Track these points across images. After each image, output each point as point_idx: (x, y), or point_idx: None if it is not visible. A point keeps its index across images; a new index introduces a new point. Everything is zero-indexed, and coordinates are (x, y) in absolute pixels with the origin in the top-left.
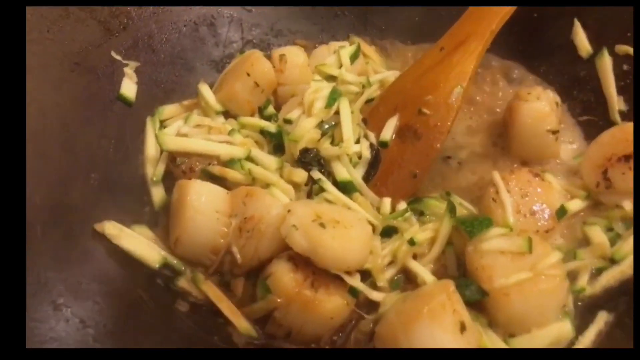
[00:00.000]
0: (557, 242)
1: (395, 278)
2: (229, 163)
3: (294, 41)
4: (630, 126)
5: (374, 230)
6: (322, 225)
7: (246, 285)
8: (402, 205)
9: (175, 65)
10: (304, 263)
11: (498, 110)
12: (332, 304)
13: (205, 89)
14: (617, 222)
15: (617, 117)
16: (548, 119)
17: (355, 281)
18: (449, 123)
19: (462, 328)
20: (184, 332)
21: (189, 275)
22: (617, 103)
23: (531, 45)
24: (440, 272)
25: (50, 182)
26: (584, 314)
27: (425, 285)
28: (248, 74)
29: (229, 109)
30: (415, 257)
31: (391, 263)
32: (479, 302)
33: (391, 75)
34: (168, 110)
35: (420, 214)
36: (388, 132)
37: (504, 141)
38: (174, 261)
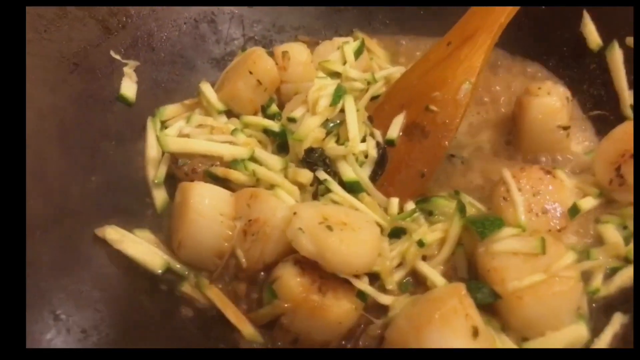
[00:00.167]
0: (570, 241)
1: (404, 281)
2: (232, 164)
3: (297, 37)
4: None
5: (381, 231)
6: (329, 227)
7: (252, 290)
8: (410, 205)
9: (176, 64)
10: (311, 267)
11: (503, 106)
12: (340, 309)
13: (206, 88)
14: (631, 220)
15: (629, 112)
16: (559, 114)
17: (364, 285)
18: (457, 120)
19: (475, 333)
20: (188, 339)
21: (193, 280)
22: (628, 97)
23: (540, 38)
24: (450, 274)
25: (49, 186)
26: (598, 316)
27: (435, 288)
28: (250, 72)
29: (232, 108)
30: (424, 258)
31: (400, 265)
32: (491, 305)
33: (397, 71)
34: (169, 110)
35: (428, 214)
36: (395, 130)
37: (513, 137)
38: (177, 266)
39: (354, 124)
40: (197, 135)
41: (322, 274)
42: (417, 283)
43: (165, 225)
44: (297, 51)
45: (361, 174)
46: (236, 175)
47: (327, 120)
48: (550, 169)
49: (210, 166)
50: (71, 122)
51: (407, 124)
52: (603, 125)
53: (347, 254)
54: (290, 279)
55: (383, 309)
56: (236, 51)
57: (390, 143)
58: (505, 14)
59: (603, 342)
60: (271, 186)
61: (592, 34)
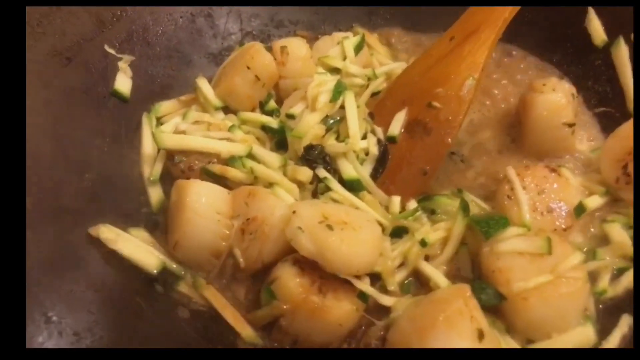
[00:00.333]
0: (576, 241)
1: (407, 281)
2: (230, 161)
3: (296, 32)
4: None
5: (383, 230)
6: (330, 227)
7: (250, 290)
8: (412, 203)
9: (172, 59)
10: (311, 267)
11: (504, 102)
12: (340, 310)
13: (203, 84)
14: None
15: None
16: (564, 111)
17: (365, 285)
18: (460, 117)
19: (480, 336)
20: (185, 341)
21: (190, 280)
22: (634, 94)
23: (544, 34)
24: (453, 275)
25: (41, 184)
26: (605, 317)
27: (438, 289)
28: (248, 67)
29: (229, 104)
30: (427, 258)
31: (401, 265)
32: (495, 306)
33: (398, 67)
34: (165, 106)
35: (431, 212)
36: (396, 126)
37: (516, 135)
38: (173, 266)
39: (355, 121)
40: (193, 132)
41: (322, 274)
42: (419, 284)
43: (161, 224)
44: (296, 46)
45: (362, 171)
46: (234, 172)
47: (327, 116)
48: (556, 167)
49: (207, 163)
50: (64, 118)
51: (409, 120)
52: (609, 122)
53: (347, 254)
54: (290, 280)
55: (385, 310)
56: (234, 46)
57: (391, 140)
58: (509, 9)
59: (611, 344)
60: (270, 184)
61: (597, 29)
